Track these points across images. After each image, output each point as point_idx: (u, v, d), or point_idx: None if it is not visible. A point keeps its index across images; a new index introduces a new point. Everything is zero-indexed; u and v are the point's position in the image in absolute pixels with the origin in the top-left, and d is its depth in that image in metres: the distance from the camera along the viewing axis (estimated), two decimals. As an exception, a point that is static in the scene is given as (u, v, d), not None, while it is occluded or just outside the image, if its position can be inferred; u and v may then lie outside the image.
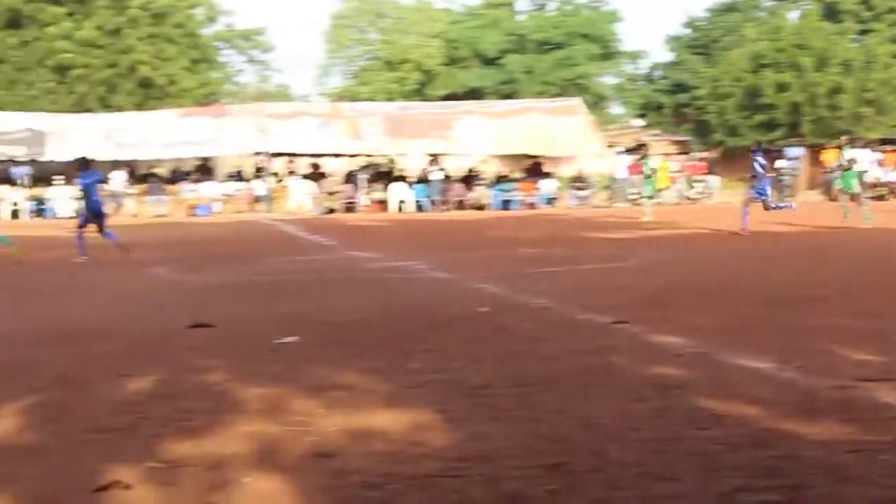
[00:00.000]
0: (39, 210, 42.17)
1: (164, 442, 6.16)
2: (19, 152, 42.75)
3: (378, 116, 45.73)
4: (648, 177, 33.79)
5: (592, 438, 6.10)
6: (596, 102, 59.88)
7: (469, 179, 45.84)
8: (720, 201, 44.66)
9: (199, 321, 10.76)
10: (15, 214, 42.35)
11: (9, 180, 44.57)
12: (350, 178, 45.16)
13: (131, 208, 42.97)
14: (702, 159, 51.63)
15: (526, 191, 45.22)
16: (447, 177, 45.95)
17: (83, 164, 21.91)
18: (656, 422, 6.44)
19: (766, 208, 24.49)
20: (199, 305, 12.60)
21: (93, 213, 21.49)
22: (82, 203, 21.83)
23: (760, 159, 24.35)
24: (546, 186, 45.47)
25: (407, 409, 6.83)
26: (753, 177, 24.27)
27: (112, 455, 5.91)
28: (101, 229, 21.51)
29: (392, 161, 48.72)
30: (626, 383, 7.56)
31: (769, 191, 25.47)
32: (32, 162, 43.75)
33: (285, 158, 46.30)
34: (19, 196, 43.02)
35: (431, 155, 45.66)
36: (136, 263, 19.64)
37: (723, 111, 55.82)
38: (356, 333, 10.22)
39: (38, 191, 42.74)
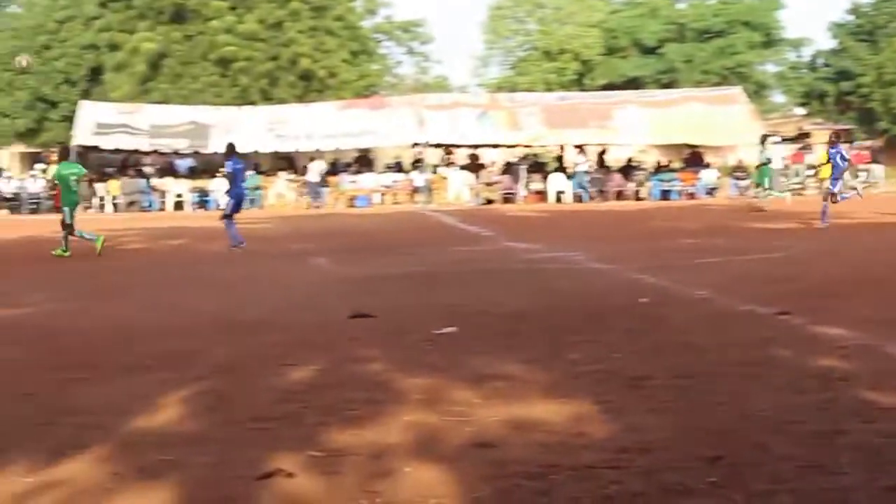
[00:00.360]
0: (202, 202, 42.87)
1: (325, 431, 6.22)
2: (183, 145, 43.54)
3: (536, 107, 45.52)
4: (763, 165, 32.82)
5: (753, 431, 6.01)
6: (757, 91, 58.78)
7: (628, 170, 45.45)
8: (886, 191, 43.62)
9: (359, 311, 10.85)
10: (179, 206, 43.16)
11: (173, 172, 45.47)
12: (509, 168, 45.11)
13: (292, 199, 43.51)
14: (866, 148, 50.42)
15: (686, 181, 44.68)
16: (606, 167, 45.64)
17: (230, 150, 22.08)
18: (819, 414, 6.32)
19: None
20: (359, 296, 12.68)
21: (237, 201, 21.60)
22: (229, 189, 21.83)
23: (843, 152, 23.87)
24: (706, 176, 44.87)
25: (566, 400, 6.80)
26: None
27: (274, 443, 6.00)
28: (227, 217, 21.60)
29: (551, 152, 48.56)
30: (788, 375, 7.44)
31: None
32: (196, 154, 44.53)
33: (444, 149, 46.44)
34: (183, 188, 43.83)
35: (577, 146, 45.34)
36: (297, 254, 19.86)
37: (888, 99, 54.53)
38: (515, 324, 10.20)
39: (201, 182, 43.47)
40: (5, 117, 52.21)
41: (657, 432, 6.04)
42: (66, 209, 20.92)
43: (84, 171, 22.28)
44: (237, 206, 21.50)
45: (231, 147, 22.20)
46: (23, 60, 33.30)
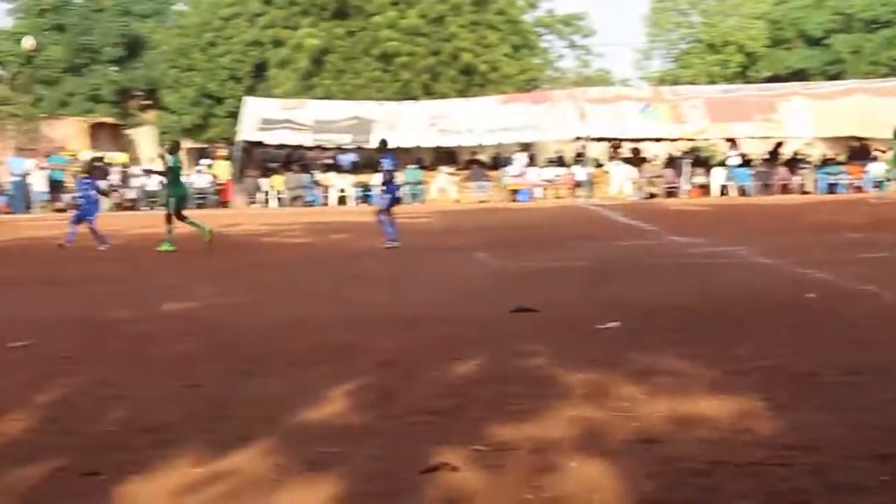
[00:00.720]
0: (365, 196, 43.22)
1: (489, 425, 6.23)
2: (346, 140, 43.94)
3: (700, 100, 44.90)
4: None
5: (929, 430, 5.88)
6: (929, 83, 57.22)
7: (793, 163, 44.66)
8: None
9: (521, 306, 10.84)
10: (342, 201, 43.60)
11: (336, 167, 45.95)
12: (671, 162, 44.70)
13: (454, 194, 43.70)
14: None
15: (853, 174, 43.75)
16: (773, 160, 44.91)
17: (383, 146, 22.16)
18: None
19: None
20: (521, 290, 12.67)
21: (394, 197, 21.61)
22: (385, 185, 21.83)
23: None
24: (874, 170, 43.87)
25: (731, 396, 6.73)
26: None
27: (438, 437, 6.03)
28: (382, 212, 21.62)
29: (714, 145, 47.96)
30: (964, 373, 7.26)
31: None
32: (359, 149, 44.93)
33: (606, 143, 46.19)
34: (346, 182, 44.26)
35: (729, 139, 44.66)
36: (459, 249, 19.92)
37: None
38: (678, 319, 10.12)
39: (364, 177, 43.83)
40: (172, 113, 53.32)
41: (826, 429, 5.94)
42: (172, 200, 21.30)
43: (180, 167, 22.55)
44: (393, 202, 21.51)
45: (384, 143, 22.33)
46: (26, 42, 33.67)
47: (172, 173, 21.68)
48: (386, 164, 21.55)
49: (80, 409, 7.04)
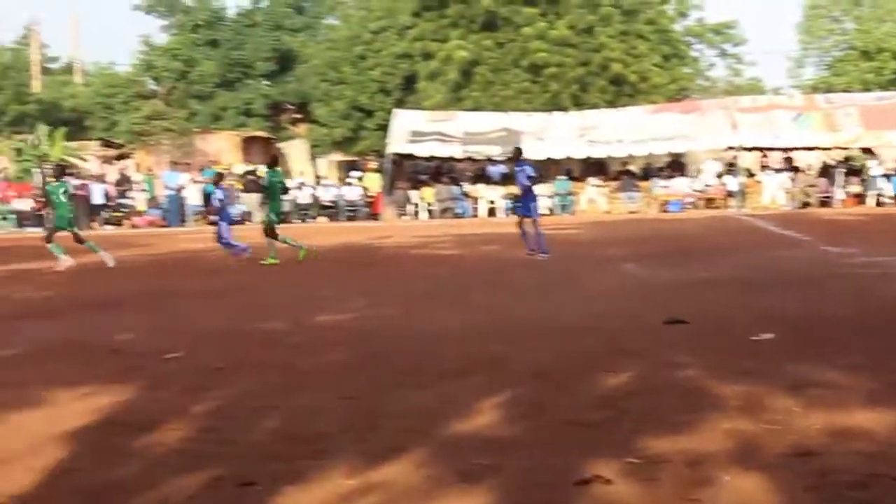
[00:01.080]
0: (514, 208, 43.16)
1: (642, 438, 6.19)
2: (495, 151, 43.97)
3: (854, 107, 44.07)
4: None
5: None
6: None
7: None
8: None
9: (673, 317, 10.75)
10: (492, 212, 43.68)
11: (486, 178, 46.02)
12: (825, 171, 43.95)
13: (603, 205, 43.52)
14: None
15: None
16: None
17: (517, 155, 22.09)
18: None
19: None
20: (671, 301, 12.57)
21: (527, 207, 21.48)
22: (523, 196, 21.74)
23: None
24: None
25: (890, 409, 6.60)
26: None
27: (590, 449, 6.00)
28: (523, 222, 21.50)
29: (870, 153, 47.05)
30: None
31: None
32: (508, 160, 44.94)
33: (757, 152, 45.58)
34: (495, 194, 44.32)
35: (865, 149, 43.71)
36: (609, 260, 19.82)
37: None
38: (833, 330, 9.94)
39: (514, 189, 43.76)
40: (323, 126, 53.92)
41: None
42: (272, 215, 21.46)
43: (281, 181, 22.65)
44: (528, 212, 21.36)
45: (518, 151, 22.28)
46: None
47: (271, 189, 21.91)
48: (522, 174, 21.46)
49: (234, 420, 7.15)
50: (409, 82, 52.16)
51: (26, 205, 43.73)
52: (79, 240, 21.60)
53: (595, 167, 45.70)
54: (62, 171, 22.82)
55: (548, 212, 42.64)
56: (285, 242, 21.38)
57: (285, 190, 22.38)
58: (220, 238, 22.46)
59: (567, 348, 9.54)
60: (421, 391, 7.88)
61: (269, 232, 21.35)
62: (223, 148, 53.74)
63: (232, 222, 22.88)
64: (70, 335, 11.50)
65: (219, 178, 23.89)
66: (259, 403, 7.60)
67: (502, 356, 9.21)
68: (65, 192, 21.92)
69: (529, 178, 21.44)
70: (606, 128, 44.00)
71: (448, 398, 7.50)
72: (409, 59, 51.79)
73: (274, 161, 22.85)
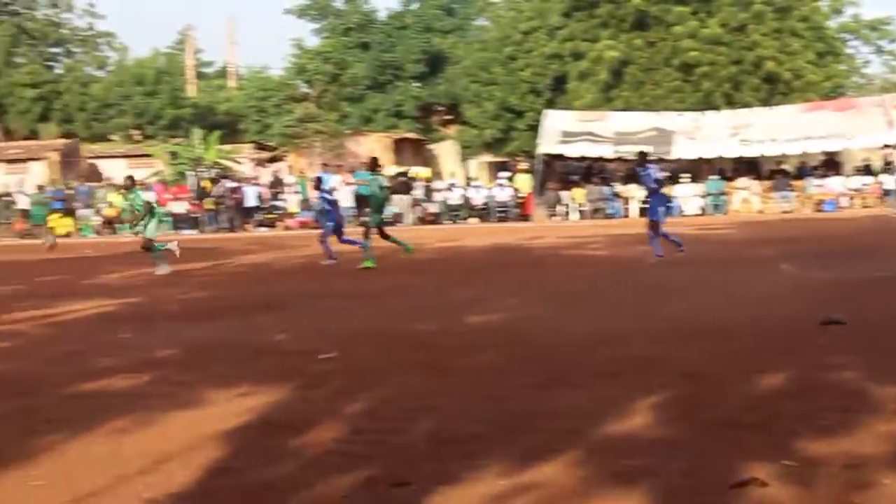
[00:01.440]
0: (666, 207, 42.81)
1: (797, 440, 6.12)
2: (647, 151, 43.63)
3: None
4: None
5: None
6: None
7: None
8: None
9: (830, 317, 10.55)
10: (643, 212, 43.33)
11: (636, 178, 45.66)
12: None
13: (756, 205, 42.94)
14: None
15: None
16: None
17: (642, 159, 21.82)
18: None
19: None
20: (828, 302, 12.34)
21: (657, 209, 21.25)
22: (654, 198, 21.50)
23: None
24: None
25: None
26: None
27: (745, 451, 5.94)
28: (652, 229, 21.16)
29: None
30: None
31: None
32: (659, 160, 44.58)
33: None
34: (646, 194, 43.88)
35: None
36: (762, 259, 19.55)
37: None
38: None
39: (665, 189, 43.44)
40: (473, 128, 54.05)
41: None
42: (375, 218, 21.30)
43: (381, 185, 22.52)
44: (659, 214, 21.10)
45: (643, 155, 22.02)
46: None
47: (372, 193, 21.91)
48: (647, 176, 21.24)
49: (387, 421, 7.20)
50: (560, 83, 51.99)
51: (182, 207, 44.62)
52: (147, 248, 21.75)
53: (748, 166, 45.11)
54: (132, 182, 22.78)
55: (700, 211, 42.29)
56: (361, 246, 21.36)
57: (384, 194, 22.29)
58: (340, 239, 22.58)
59: (721, 349, 9.46)
60: (573, 392, 7.87)
61: (381, 233, 21.34)
62: (374, 149, 54.17)
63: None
64: (227, 336, 11.72)
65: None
66: (411, 404, 7.64)
67: (655, 357, 9.16)
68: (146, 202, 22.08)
69: (656, 181, 21.21)
70: (759, 126, 43.39)
71: (601, 399, 7.48)
72: (560, 59, 51.62)
73: (374, 164, 22.83)
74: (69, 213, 45.06)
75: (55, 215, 44.15)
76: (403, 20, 60.98)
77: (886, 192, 41.77)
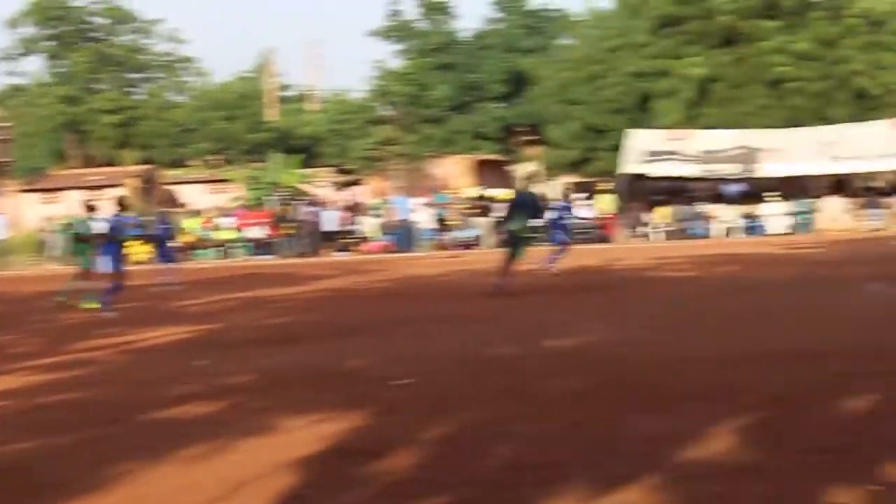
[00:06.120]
0: (751, 227, 42.62)
1: (883, 464, 5.98)
2: (733, 170, 43.37)
3: None
4: None
5: None
6: None
7: None
8: None
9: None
10: (727, 232, 43.06)
11: (721, 198, 45.38)
12: None
13: (846, 223, 42.46)
14: None
15: None
16: None
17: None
18: None
19: None
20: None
21: None
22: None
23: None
24: None
25: None
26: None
27: (829, 476, 5.81)
28: None
29: None
30: None
31: None
32: (745, 179, 44.26)
33: None
34: (732, 213, 43.69)
35: None
36: (853, 279, 19.25)
37: None
38: None
39: (750, 208, 43.22)
40: (557, 148, 53.93)
41: None
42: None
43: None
44: None
45: None
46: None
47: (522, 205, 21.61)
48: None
49: (465, 447, 7.11)
50: (644, 101, 51.76)
51: (261, 232, 44.89)
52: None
53: (837, 184, 44.63)
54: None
55: (788, 230, 41.89)
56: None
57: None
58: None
59: (808, 371, 9.29)
60: (655, 417, 7.74)
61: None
62: (455, 172, 54.36)
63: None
64: (305, 361, 11.69)
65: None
66: (490, 431, 7.55)
67: (740, 381, 9.02)
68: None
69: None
70: (849, 143, 42.94)
71: (683, 424, 7.35)
72: (645, 77, 51.39)
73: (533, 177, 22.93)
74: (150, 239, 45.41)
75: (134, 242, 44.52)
76: (486, 40, 61.11)
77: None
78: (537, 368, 10.44)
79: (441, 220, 44.10)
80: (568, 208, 24.63)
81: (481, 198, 45.25)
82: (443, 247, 42.50)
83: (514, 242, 19.90)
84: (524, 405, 8.50)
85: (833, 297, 16.46)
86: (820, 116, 47.37)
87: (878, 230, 40.83)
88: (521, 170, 54.66)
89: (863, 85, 47.60)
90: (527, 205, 20.30)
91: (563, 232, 24.35)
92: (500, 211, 44.63)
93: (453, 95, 58.68)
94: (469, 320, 15.63)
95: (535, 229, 20.56)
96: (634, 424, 7.52)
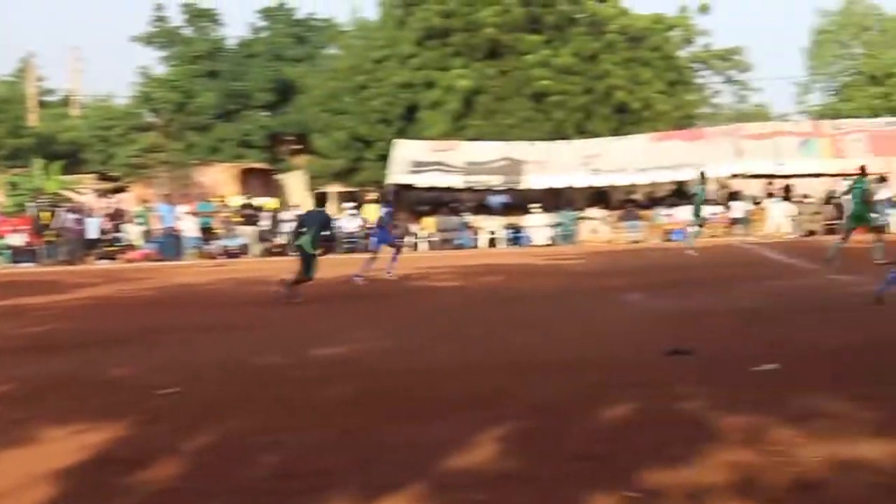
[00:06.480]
0: (515, 238, 43.25)
1: (642, 470, 6.12)
2: (497, 181, 43.95)
3: (862, 133, 44.00)
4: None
5: None
6: None
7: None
8: None
9: (676, 348, 10.65)
10: (492, 243, 43.61)
11: (487, 209, 45.97)
12: (831, 198, 43.88)
13: (606, 234, 43.47)
14: None
15: None
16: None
17: None
18: None
19: None
20: (674, 332, 12.49)
21: None
22: None
23: None
24: None
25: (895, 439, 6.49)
26: None
27: (590, 483, 5.95)
28: None
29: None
30: None
31: None
32: (509, 190, 44.92)
33: (763, 180, 45.53)
34: (496, 224, 44.25)
35: (881, 176, 43.56)
36: (611, 290, 19.72)
37: None
38: (838, 360, 9.86)
39: (515, 219, 43.86)
40: (323, 158, 53.85)
41: None
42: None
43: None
44: None
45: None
46: None
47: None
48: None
49: (231, 456, 7.09)
50: (411, 112, 52.09)
51: (20, 240, 43.62)
52: None
53: (598, 196, 45.68)
54: None
55: (550, 241, 42.66)
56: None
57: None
58: None
59: (569, 381, 9.46)
60: (422, 425, 7.82)
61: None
62: (221, 180, 53.80)
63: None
64: (67, 370, 11.46)
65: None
66: (258, 439, 7.53)
67: (504, 390, 9.14)
68: None
69: None
70: (610, 156, 43.92)
71: (449, 432, 7.43)
72: (411, 88, 51.73)
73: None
74: None
75: None
76: (252, 48, 60.64)
77: (734, 221, 42.61)
78: (305, 377, 10.42)
79: (207, 229, 43.58)
80: (390, 213, 24.67)
81: (247, 206, 44.84)
82: (209, 255, 42.03)
83: (304, 258, 19.94)
84: (292, 414, 8.50)
85: (593, 308, 16.83)
86: (582, 130, 48.42)
87: (636, 242, 41.93)
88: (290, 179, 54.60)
89: (623, 99, 48.86)
90: (316, 221, 20.41)
91: (386, 235, 24.44)
92: (266, 220, 44.57)
93: (219, 103, 57.96)
94: (237, 329, 15.53)
95: (324, 245, 20.58)
96: (401, 433, 7.58)
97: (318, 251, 20.10)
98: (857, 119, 50.21)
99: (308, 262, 19.83)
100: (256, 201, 46.84)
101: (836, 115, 56.31)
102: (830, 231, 41.21)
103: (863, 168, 24.11)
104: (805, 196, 45.09)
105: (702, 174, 32.95)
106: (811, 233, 41.76)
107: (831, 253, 22.63)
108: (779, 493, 5.63)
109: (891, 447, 6.33)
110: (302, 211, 22.97)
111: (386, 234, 24.98)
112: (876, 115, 53.35)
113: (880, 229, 24.32)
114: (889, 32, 61.71)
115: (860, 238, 23.88)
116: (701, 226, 33.29)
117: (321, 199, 22.33)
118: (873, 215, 24.21)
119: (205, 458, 7.01)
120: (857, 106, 59.06)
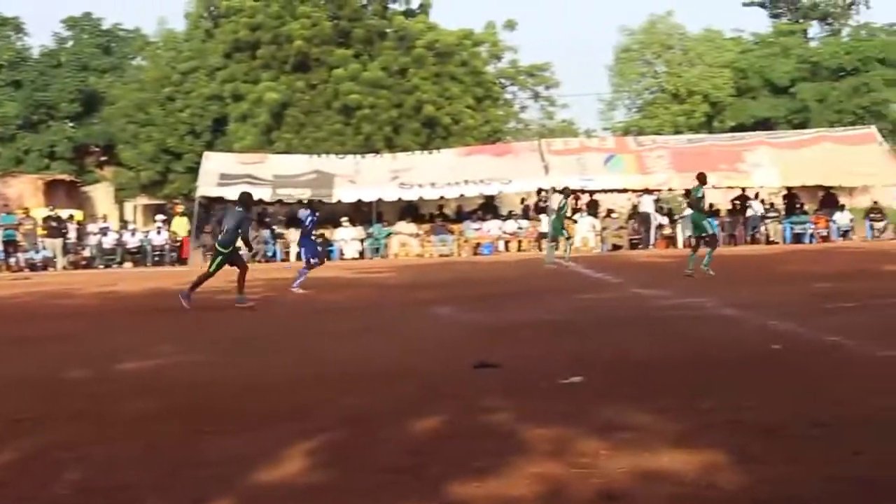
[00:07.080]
0: (326, 252, 43.20)
1: (450, 483, 6.12)
2: (306, 194, 43.86)
3: (665, 150, 44.99)
4: None
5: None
6: (893, 130, 57.28)
7: (744, 212, 44.91)
8: None
9: (483, 361, 10.70)
10: (300, 256, 43.43)
11: (297, 222, 45.81)
12: (636, 213, 44.80)
13: (416, 248, 43.63)
14: None
15: (819, 223, 43.94)
16: (741, 210, 45.02)
17: None
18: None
19: None
20: (484, 345, 12.55)
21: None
22: None
23: None
24: (840, 219, 44.11)
25: (698, 450, 6.63)
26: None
27: (398, 496, 5.95)
28: None
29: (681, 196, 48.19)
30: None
31: None
32: (320, 203, 44.81)
33: (572, 194, 46.18)
34: (306, 238, 44.09)
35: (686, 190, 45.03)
36: (421, 303, 19.79)
37: None
38: (643, 373, 10.01)
39: (325, 232, 43.83)
40: (130, 169, 53.15)
41: (794, 483, 5.86)
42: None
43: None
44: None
45: None
46: None
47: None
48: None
49: (34, 471, 6.95)
50: (220, 124, 51.77)
51: None
52: None
53: (408, 210, 45.86)
54: None
55: (359, 255, 42.68)
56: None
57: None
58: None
59: (379, 394, 9.44)
60: (228, 440, 7.71)
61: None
62: (24, 192, 52.54)
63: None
64: None
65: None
66: (61, 455, 7.35)
67: (313, 403, 9.09)
68: None
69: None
70: (419, 170, 44.18)
71: (258, 446, 7.34)
72: (220, 100, 51.39)
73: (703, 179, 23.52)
74: None
75: None
76: (58, 58, 59.50)
77: (542, 235, 43.15)
78: (111, 391, 10.22)
79: (10, 241, 42.57)
80: (314, 221, 24.42)
81: (52, 219, 43.86)
82: (16, 268, 41.19)
83: (216, 254, 20.48)
84: (97, 428, 8.32)
85: (404, 321, 16.86)
86: (392, 144, 48.65)
87: (445, 255, 42.17)
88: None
89: (432, 114, 49.18)
90: (233, 220, 20.82)
91: (311, 246, 24.28)
92: (72, 232, 43.69)
93: (23, 113, 56.80)
94: (43, 342, 15.19)
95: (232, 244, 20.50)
96: (209, 446, 7.48)
97: (228, 249, 19.91)
98: (661, 136, 51.41)
99: (215, 259, 20.26)
100: (62, 213, 45.89)
101: (640, 131, 57.68)
102: (634, 246, 42.12)
103: (700, 176, 24.65)
104: (610, 211, 45.96)
105: (565, 188, 33.45)
106: (617, 247, 42.54)
107: (690, 266, 23.15)
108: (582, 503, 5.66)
109: (691, 457, 6.43)
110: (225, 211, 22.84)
111: (310, 243, 24.80)
112: (678, 132, 54.80)
113: (713, 240, 24.92)
114: (691, 51, 63.33)
115: (662, 252, 24.45)
116: (568, 238, 33.70)
117: (244, 199, 21.82)
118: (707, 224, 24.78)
119: (5, 475, 6.84)
120: (660, 123, 60.56)
